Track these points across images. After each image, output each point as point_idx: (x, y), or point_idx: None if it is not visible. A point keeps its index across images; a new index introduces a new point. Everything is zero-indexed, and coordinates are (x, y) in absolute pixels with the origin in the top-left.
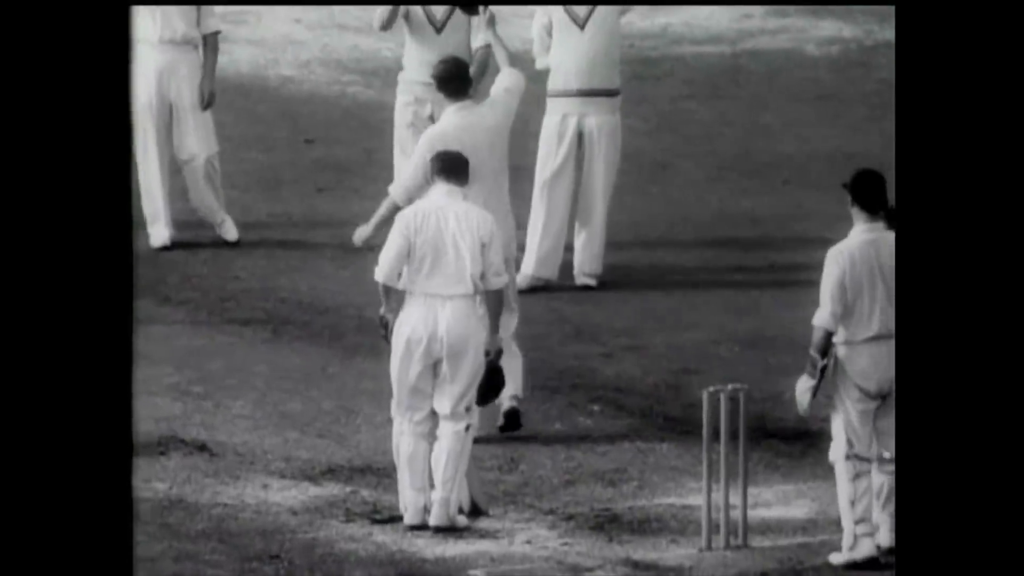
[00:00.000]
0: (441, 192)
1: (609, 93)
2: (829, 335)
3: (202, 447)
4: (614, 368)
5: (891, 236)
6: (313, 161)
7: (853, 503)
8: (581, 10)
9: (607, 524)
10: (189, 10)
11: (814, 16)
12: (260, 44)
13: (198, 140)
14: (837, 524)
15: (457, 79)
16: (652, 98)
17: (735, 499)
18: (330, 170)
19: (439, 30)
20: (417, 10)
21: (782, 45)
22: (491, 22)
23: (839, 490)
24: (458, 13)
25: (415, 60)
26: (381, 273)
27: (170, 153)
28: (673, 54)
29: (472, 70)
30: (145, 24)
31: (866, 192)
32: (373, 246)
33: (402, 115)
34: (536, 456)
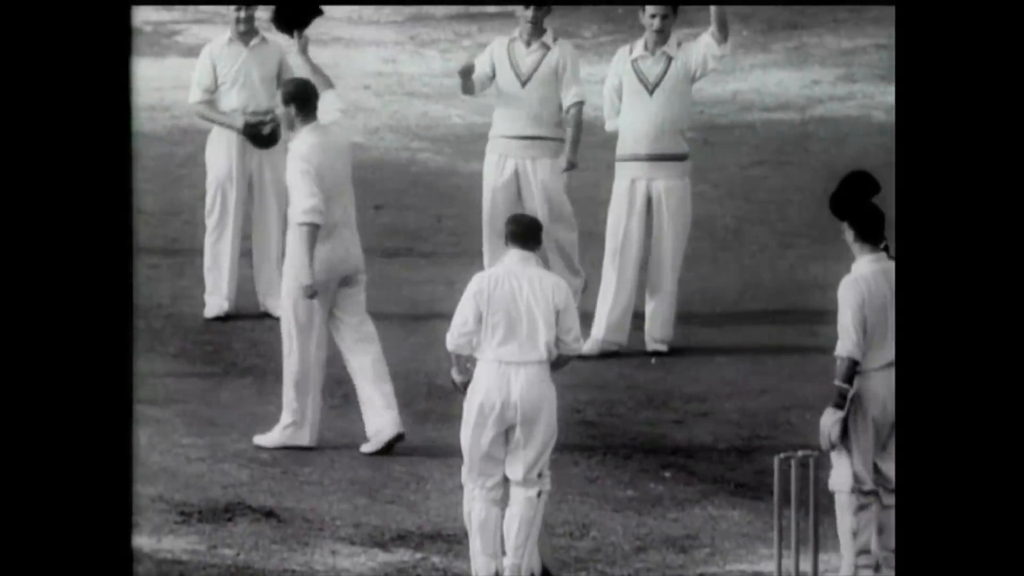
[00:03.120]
0: (514, 258)
1: (678, 157)
2: (855, 364)
3: (270, 513)
4: (685, 434)
5: (892, 264)
6: (382, 227)
7: (855, 534)
8: (651, 75)
9: None
10: (271, 80)
11: (882, 82)
12: None
13: (275, 212)
14: None
15: (311, 97)
16: (722, 164)
17: (806, 565)
18: (399, 236)
19: (524, 84)
20: (504, 66)
21: (850, 112)
22: (304, 48)
23: (840, 520)
24: (544, 66)
25: (501, 116)
26: (452, 341)
27: (243, 225)
28: (743, 121)
29: (570, 131)
30: (229, 98)
31: (869, 225)
32: (443, 313)
33: (489, 172)
34: (607, 522)
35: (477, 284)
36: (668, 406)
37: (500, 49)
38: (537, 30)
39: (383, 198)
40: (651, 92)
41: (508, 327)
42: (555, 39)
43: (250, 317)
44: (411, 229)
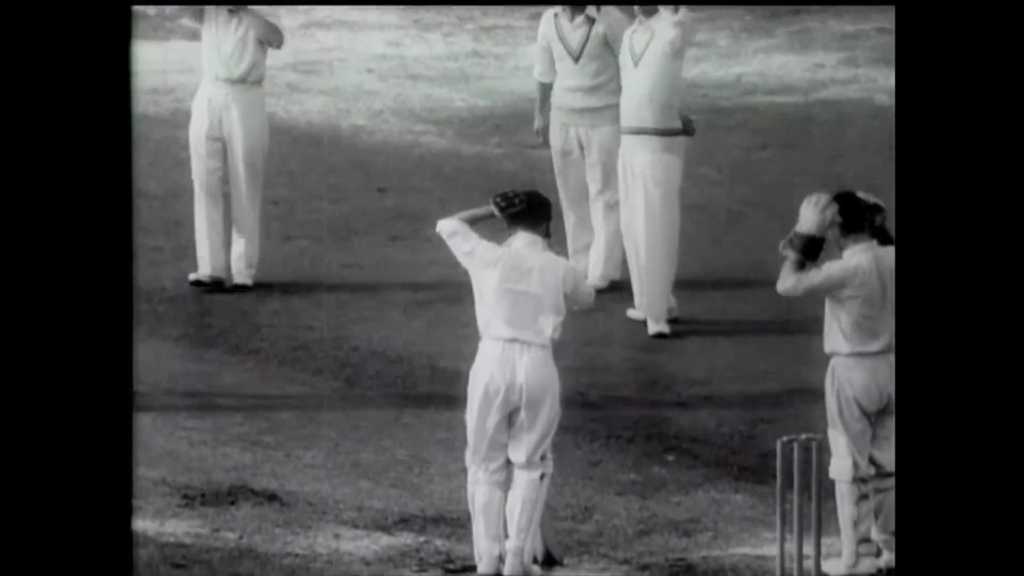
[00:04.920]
0: (523, 242)
1: (661, 132)
2: (801, 267)
3: (273, 497)
4: (688, 418)
5: (885, 250)
6: (386, 210)
7: (857, 523)
8: (637, 47)
9: (682, 574)
10: (256, 48)
11: (885, 66)
12: (332, 94)
13: (246, 182)
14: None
15: None
16: (725, 148)
17: (809, 549)
18: (403, 219)
19: (576, 59)
20: (555, 41)
21: (853, 95)
22: None
23: (842, 510)
24: (592, 40)
25: (560, 87)
26: (440, 225)
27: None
28: (746, 104)
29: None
30: (205, 59)
31: (853, 214)
32: (447, 297)
33: (555, 141)
34: (610, 505)
35: (496, 248)
36: (671, 389)
37: (548, 25)
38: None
39: (386, 181)
40: (636, 64)
41: (513, 308)
42: (598, 9)
43: (251, 299)
44: (414, 212)
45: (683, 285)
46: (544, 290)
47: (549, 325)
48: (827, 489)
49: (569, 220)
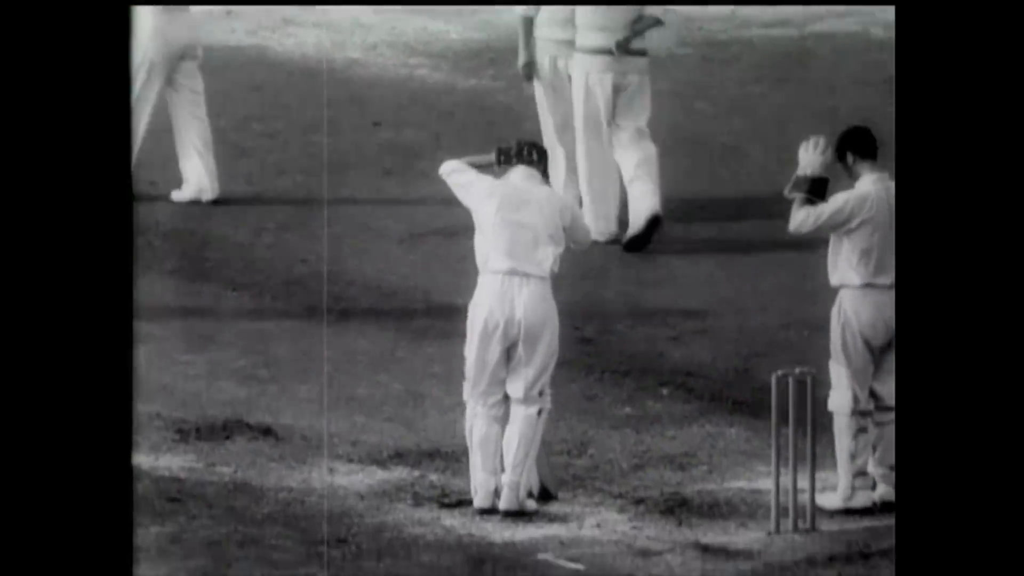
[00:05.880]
0: (521, 176)
1: (584, 50)
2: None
3: (268, 431)
4: (683, 352)
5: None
6: (380, 144)
7: (854, 457)
8: None
9: (676, 508)
10: None
11: None
12: (327, 27)
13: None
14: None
15: None
16: (720, 82)
17: (803, 483)
18: (397, 153)
19: None
20: None
21: (849, 28)
22: None
23: (839, 443)
24: None
25: (548, 20)
26: (443, 166)
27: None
28: (741, 37)
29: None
30: None
31: (867, 143)
32: (441, 230)
33: (543, 75)
34: (606, 440)
35: (494, 180)
36: (666, 324)
37: None
38: None
39: (380, 115)
40: None
41: (512, 240)
42: None
43: (246, 232)
44: (409, 146)
45: (678, 219)
46: (542, 220)
47: (548, 256)
48: (822, 423)
49: (558, 154)
